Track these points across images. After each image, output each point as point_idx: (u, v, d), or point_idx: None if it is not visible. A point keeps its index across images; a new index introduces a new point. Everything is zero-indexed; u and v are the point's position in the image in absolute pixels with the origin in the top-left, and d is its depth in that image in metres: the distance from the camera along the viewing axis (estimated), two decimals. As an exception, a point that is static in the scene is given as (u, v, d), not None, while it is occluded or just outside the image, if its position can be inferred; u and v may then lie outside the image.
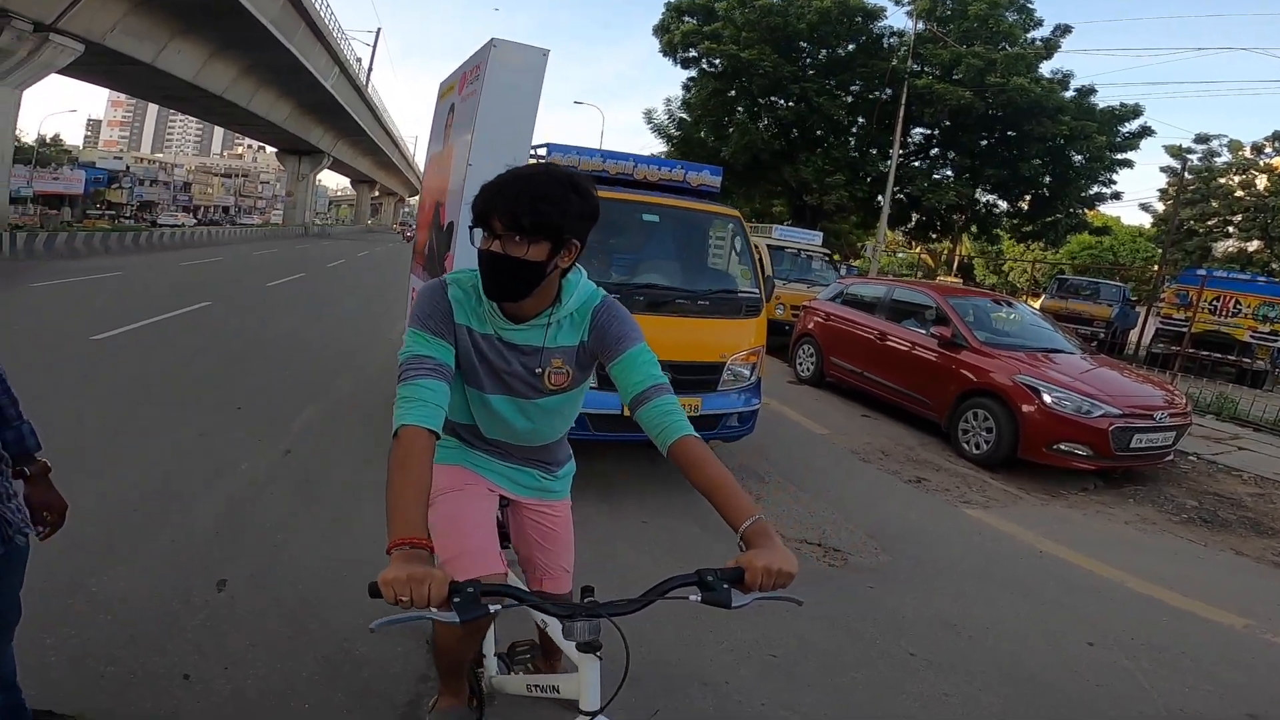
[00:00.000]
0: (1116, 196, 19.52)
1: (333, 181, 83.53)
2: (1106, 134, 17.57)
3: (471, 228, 1.45)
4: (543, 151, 5.17)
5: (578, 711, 1.40)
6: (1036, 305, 13.95)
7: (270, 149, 49.90)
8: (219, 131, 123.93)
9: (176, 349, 7.76)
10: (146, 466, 4.06)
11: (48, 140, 47.60)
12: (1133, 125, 18.20)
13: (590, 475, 4.67)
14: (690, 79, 20.70)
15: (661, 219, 5.06)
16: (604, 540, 3.72)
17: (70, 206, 41.59)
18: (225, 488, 3.90)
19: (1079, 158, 18.18)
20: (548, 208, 1.36)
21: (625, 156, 5.16)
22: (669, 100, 21.74)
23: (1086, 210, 20.65)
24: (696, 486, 1.44)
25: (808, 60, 19.20)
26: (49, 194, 39.80)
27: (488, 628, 1.76)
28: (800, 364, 9.25)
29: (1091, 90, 18.25)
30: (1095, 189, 19.09)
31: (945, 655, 2.90)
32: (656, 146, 21.94)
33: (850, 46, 18.97)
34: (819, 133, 19.57)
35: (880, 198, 18.94)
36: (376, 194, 77.80)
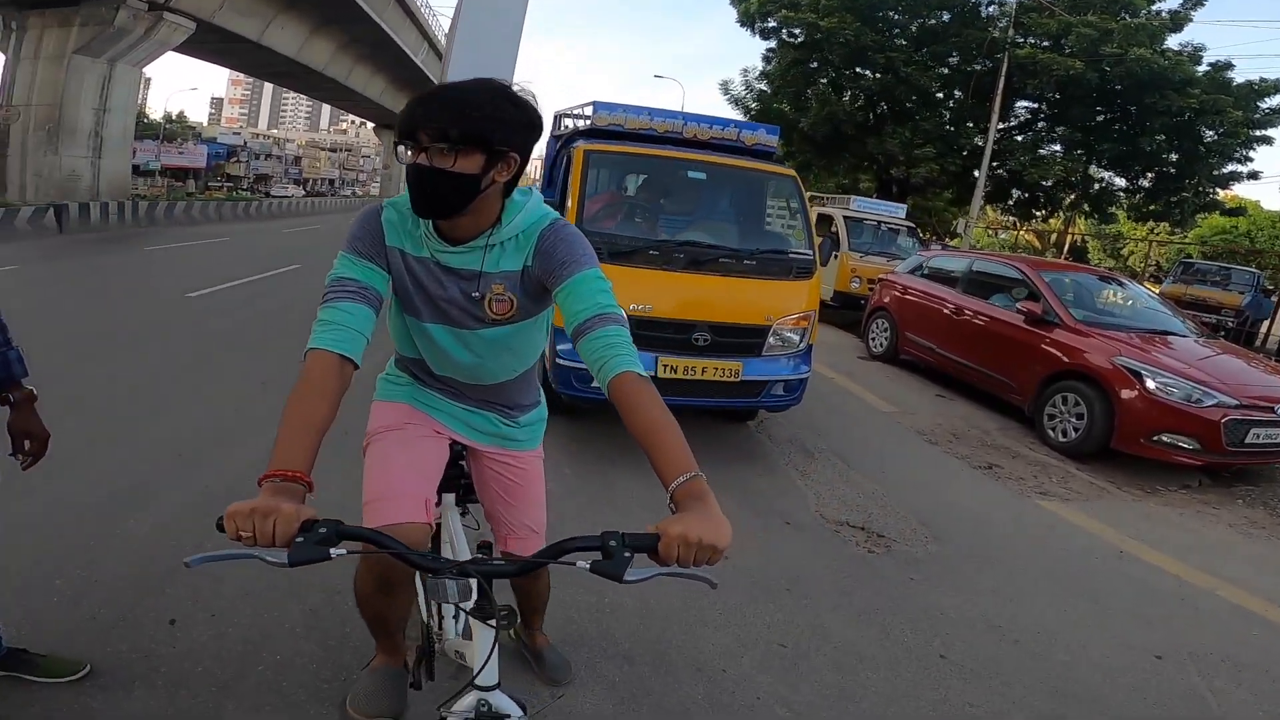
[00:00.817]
0: (1254, 176, 17.26)
1: None
2: (1243, 109, 15.55)
3: (397, 144, 1.26)
4: (588, 110, 4.97)
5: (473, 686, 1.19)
6: (1156, 291, 12.58)
7: (369, 124, 51.85)
8: (326, 109, 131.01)
9: (257, 307, 8.21)
10: (203, 412, 4.19)
11: (174, 117, 51.53)
12: (1274, 101, 16.01)
13: (625, 441, 4.45)
14: (769, 50, 19.91)
15: (709, 177, 4.78)
16: (630, 507, 3.52)
17: (194, 179, 45.03)
18: (271, 435, 3.94)
19: (1210, 133, 16.19)
20: (476, 114, 1.22)
21: (675, 114, 4.87)
22: (745, 71, 21.01)
23: (1219, 190, 18.42)
24: (633, 433, 1.20)
25: (896, 30, 18.04)
26: (175, 167, 43.08)
27: (403, 581, 1.57)
28: (873, 339, 8.68)
29: (1228, 65, 16.20)
30: (1230, 167, 16.97)
31: (982, 661, 2.52)
32: (733, 119, 21.17)
33: (945, 16, 17.63)
34: (908, 105, 18.38)
35: (976, 173, 17.60)
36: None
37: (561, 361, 4.04)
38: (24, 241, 14.86)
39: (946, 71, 18.34)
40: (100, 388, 4.38)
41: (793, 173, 4.90)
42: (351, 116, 67.92)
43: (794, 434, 5.04)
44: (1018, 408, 6.16)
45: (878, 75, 18.12)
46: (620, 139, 4.70)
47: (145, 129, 41.69)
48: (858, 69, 18.45)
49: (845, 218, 11.54)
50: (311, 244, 17.51)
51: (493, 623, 1.17)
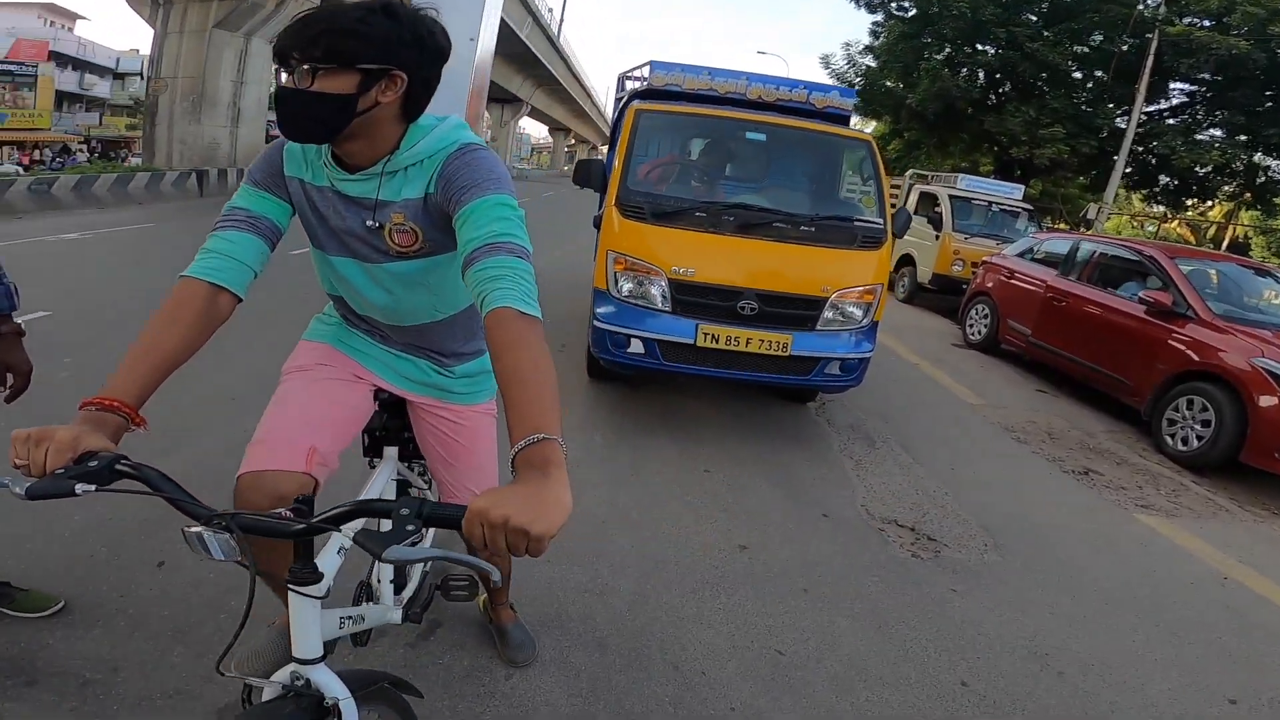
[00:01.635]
0: None
1: (536, 130, 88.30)
2: None
3: (277, 70, 1.13)
4: (645, 71, 4.70)
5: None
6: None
7: None
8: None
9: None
10: (268, 359, 4.32)
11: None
12: None
13: (667, 411, 4.30)
14: (875, 24, 18.68)
15: (770, 139, 4.42)
16: (655, 484, 3.28)
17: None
18: None
19: None
20: (341, 30, 1.08)
21: (737, 74, 4.52)
22: (848, 45, 19.97)
23: None
24: (497, 377, 0.97)
25: (1022, 4, 16.38)
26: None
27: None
28: (971, 326, 7.91)
29: None
30: None
31: (1010, 693, 2.11)
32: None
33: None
34: (1035, 82, 16.70)
35: (1115, 156, 15.74)
36: (571, 142, 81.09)
37: (598, 323, 3.85)
38: (167, 203, 16.38)
39: (1085, 50, 16.51)
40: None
41: (867, 137, 4.42)
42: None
43: (858, 420, 4.61)
44: (1133, 410, 5.38)
45: (999, 51, 16.64)
46: (678, 99, 4.41)
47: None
48: (976, 45, 17.05)
49: (951, 196, 10.59)
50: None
51: (312, 590, 1.00)
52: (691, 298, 3.75)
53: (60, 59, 32.08)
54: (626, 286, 3.82)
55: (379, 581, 1.72)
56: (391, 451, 1.71)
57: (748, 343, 3.74)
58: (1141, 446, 4.99)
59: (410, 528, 0.78)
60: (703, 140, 4.78)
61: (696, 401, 4.51)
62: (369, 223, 1.26)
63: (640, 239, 3.82)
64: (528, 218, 1.18)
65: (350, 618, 1.31)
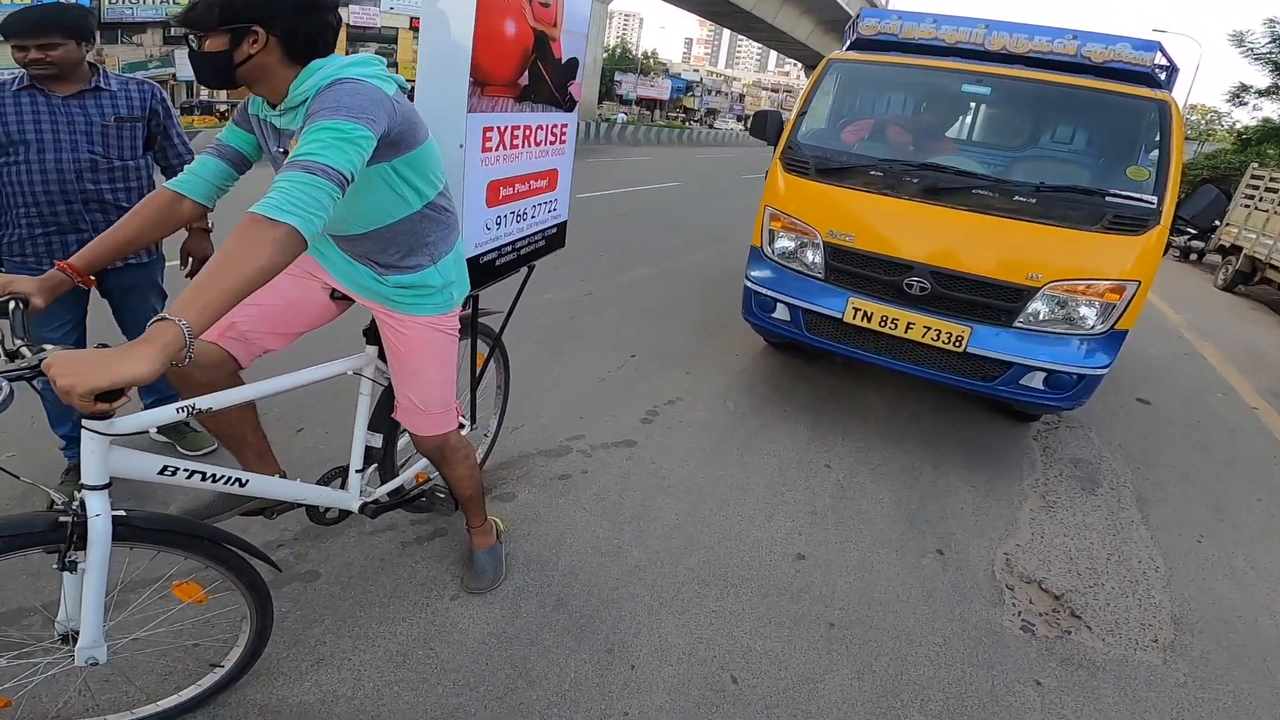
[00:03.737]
0: None
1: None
2: None
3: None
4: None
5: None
6: None
7: (799, 65, 51.57)
8: (772, 53, 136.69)
9: (614, 207, 9.78)
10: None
11: (647, 54, 59.63)
12: None
13: (828, 394, 3.85)
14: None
15: (997, 93, 3.59)
16: (754, 466, 3.01)
17: (659, 109, 52.19)
18: (553, 301, 4.79)
19: None
20: (210, 1, 1.30)
21: (972, 21, 3.64)
22: (1272, 22, 14.80)
23: None
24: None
25: None
26: (646, 98, 50.55)
27: (193, 374, 1.54)
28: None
29: None
30: None
31: None
32: (1249, 75, 15.27)
33: None
34: None
35: None
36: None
37: (746, 283, 3.57)
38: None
39: None
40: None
41: (1162, 96, 3.23)
42: (794, 60, 69.16)
43: (1092, 457, 3.58)
44: None
45: None
46: (891, 51, 3.74)
47: (628, 64, 49.33)
48: None
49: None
50: (710, 169, 19.04)
51: (97, 427, 1.15)
52: (847, 266, 3.25)
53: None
54: (780, 246, 3.46)
55: (356, 471, 1.88)
56: (373, 350, 1.82)
57: (908, 328, 3.12)
58: None
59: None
60: (907, 95, 4.02)
61: (874, 392, 3.95)
62: (279, 149, 1.46)
63: (801, 196, 3.40)
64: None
65: (173, 469, 1.33)
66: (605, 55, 46.72)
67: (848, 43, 4.03)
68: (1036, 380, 3.09)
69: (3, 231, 2.14)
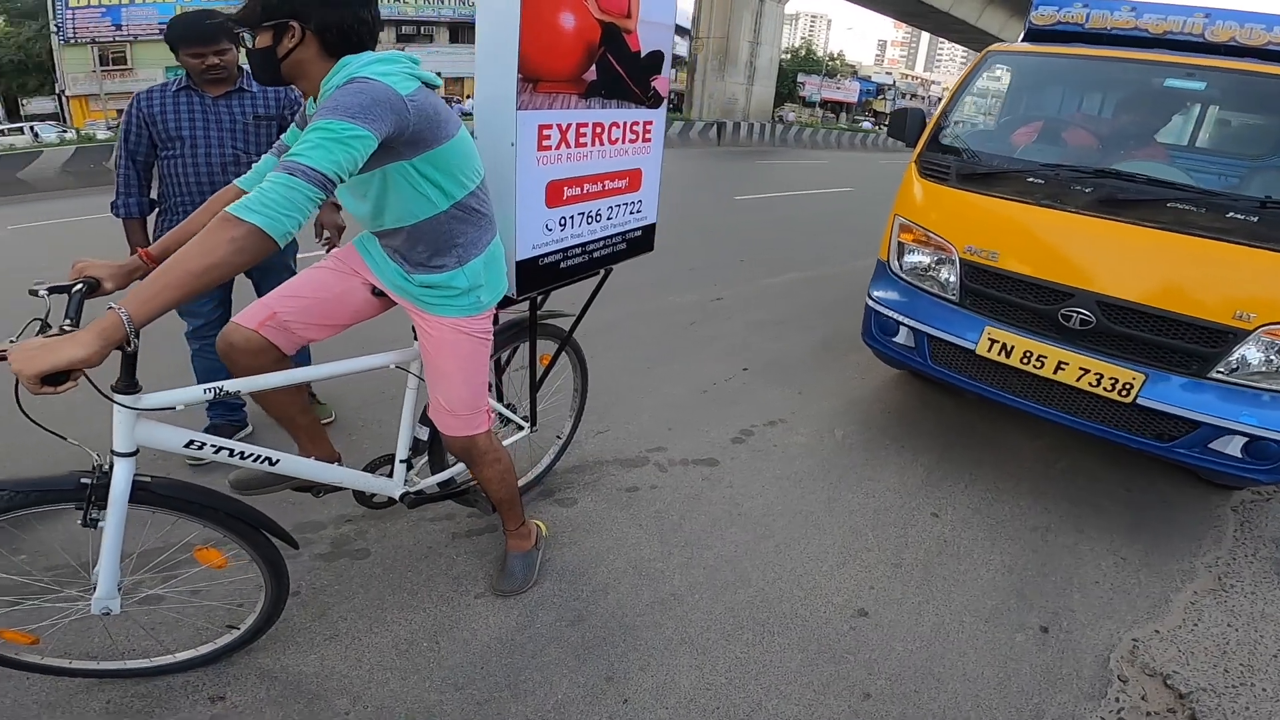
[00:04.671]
0: None
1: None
2: None
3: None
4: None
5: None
6: None
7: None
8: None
9: (779, 212, 9.54)
10: (626, 281, 5.14)
11: (834, 56, 57.22)
12: None
13: (960, 434, 3.36)
14: None
15: (1216, 88, 2.90)
16: (843, 508, 2.72)
17: (846, 112, 50.11)
18: (676, 304, 4.80)
19: None
20: (253, 1, 1.37)
21: (1187, 10, 2.95)
22: None
23: None
24: None
25: None
26: (831, 100, 48.71)
27: (240, 356, 1.62)
28: None
29: None
30: None
31: None
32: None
33: None
34: None
35: None
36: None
37: (868, 301, 3.22)
38: (689, 148, 19.67)
39: None
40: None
41: None
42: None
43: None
44: None
45: None
46: (1073, 42, 3.16)
47: (812, 66, 47.79)
48: None
49: None
50: (892, 174, 17.83)
51: (124, 400, 1.27)
52: (987, 289, 2.80)
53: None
54: (909, 262, 3.07)
55: (400, 461, 1.92)
56: (417, 345, 1.85)
57: (1059, 368, 2.62)
58: None
59: None
60: (1087, 91, 3.38)
61: (1026, 437, 3.37)
62: None
63: (938, 205, 2.99)
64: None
65: (200, 444, 1.42)
66: (787, 57, 45.66)
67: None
68: (1233, 446, 2.46)
69: (164, 217, 2.47)
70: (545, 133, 1.77)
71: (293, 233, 1.18)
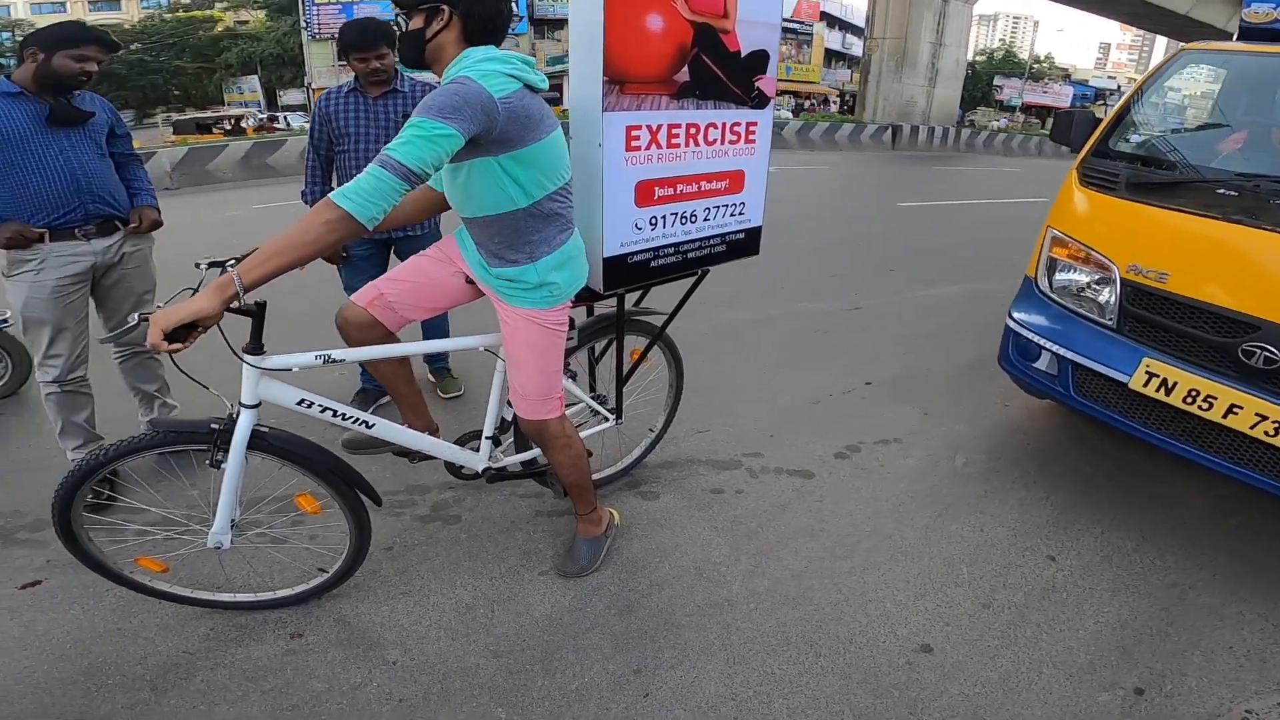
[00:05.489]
0: None
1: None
2: None
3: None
4: None
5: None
6: None
7: None
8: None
9: (946, 221, 9.01)
10: (760, 285, 5.13)
11: (1039, 59, 51.47)
12: None
13: (1106, 470, 2.93)
14: None
15: None
16: (942, 539, 2.50)
17: (1052, 117, 45.13)
18: (809, 310, 4.79)
19: None
20: None
21: None
22: None
23: None
24: None
25: None
26: (1036, 104, 44.14)
27: (357, 332, 1.82)
28: None
29: None
30: None
31: None
32: None
33: None
34: None
35: None
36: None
37: (1008, 320, 2.92)
38: (860, 151, 18.87)
39: None
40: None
41: None
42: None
43: None
44: None
45: None
46: None
47: (1013, 68, 43.51)
48: None
49: None
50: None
51: (251, 360, 1.52)
52: (1152, 314, 2.42)
53: (829, 19, 38.86)
54: (1061, 280, 2.74)
55: (486, 438, 2.08)
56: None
57: (1230, 411, 2.20)
58: None
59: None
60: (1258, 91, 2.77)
61: (1198, 488, 2.87)
62: None
63: (1100, 217, 2.63)
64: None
65: (309, 403, 1.64)
66: (981, 59, 41.87)
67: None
68: None
69: None
70: (634, 133, 1.82)
71: (378, 218, 1.33)
